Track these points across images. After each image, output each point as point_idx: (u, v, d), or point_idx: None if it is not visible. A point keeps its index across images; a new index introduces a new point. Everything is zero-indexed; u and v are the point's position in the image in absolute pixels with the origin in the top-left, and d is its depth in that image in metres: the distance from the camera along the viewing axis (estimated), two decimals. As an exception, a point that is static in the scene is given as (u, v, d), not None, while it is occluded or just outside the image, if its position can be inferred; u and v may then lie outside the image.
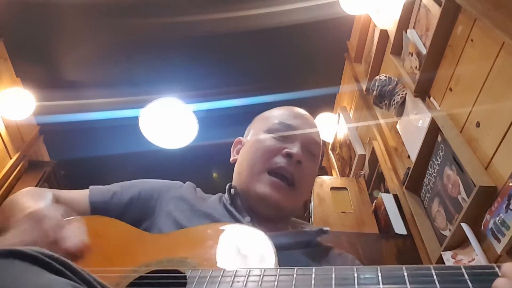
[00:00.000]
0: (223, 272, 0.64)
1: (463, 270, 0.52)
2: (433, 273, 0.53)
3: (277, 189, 0.89)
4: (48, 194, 0.87)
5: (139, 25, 2.49)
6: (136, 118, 2.12)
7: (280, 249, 0.71)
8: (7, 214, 0.77)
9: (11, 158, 2.60)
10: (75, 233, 0.70)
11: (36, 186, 2.62)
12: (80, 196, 0.92)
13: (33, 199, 0.80)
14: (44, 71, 2.81)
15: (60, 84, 2.77)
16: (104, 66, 2.73)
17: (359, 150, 2.36)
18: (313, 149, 0.96)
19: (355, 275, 0.57)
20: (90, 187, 0.94)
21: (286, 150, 0.91)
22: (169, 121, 2.15)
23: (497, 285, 0.49)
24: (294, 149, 0.91)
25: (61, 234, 0.69)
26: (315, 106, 2.98)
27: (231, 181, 0.99)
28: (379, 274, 0.56)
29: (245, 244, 0.73)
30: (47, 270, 0.47)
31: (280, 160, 0.90)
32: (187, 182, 1.00)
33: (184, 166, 2.80)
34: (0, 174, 2.47)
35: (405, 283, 0.53)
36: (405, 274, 0.54)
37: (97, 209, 0.90)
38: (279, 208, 0.90)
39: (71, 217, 0.77)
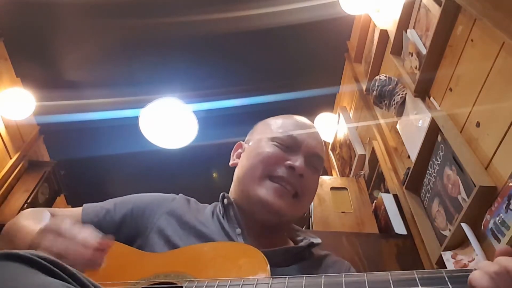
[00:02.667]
0: (218, 282, 0.65)
1: (444, 273, 0.59)
2: (416, 277, 0.60)
3: (280, 195, 0.87)
4: (45, 213, 0.87)
5: (139, 25, 2.49)
6: (136, 118, 2.12)
7: (271, 266, 0.71)
8: (10, 238, 0.78)
9: (11, 158, 2.61)
10: (92, 235, 0.70)
11: (36, 186, 2.63)
12: (73, 216, 0.90)
13: (34, 221, 0.80)
14: (44, 71, 2.81)
15: (60, 84, 2.77)
16: (104, 66, 2.73)
17: (359, 150, 2.36)
18: (316, 163, 0.93)
19: (344, 280, 0.62)
20: (84, 206, 0.92)
21: (289, 162, 0.88)
22: (169, 121, 2.15)
23: (472, 277, 0.56)
24: (297, 162, 0.88)
25: (82, 237, 0.68)
26: (315, 106, 2.98)
27: (231, 182, 0.98)
28: (366, 279, 0.61)
29: (240, 261, 0.75)
30: (43, 272, 0.48)
31: (282, 171, 0.88)
32: (180, 195, 0.98)
33: (184, 166, 2.81)
34: (0, 174, 2.47)
35: (391, 287, 0.59)
36: (390, 279, 0.60)
37: None
38: (279, 215, 0.88)
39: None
